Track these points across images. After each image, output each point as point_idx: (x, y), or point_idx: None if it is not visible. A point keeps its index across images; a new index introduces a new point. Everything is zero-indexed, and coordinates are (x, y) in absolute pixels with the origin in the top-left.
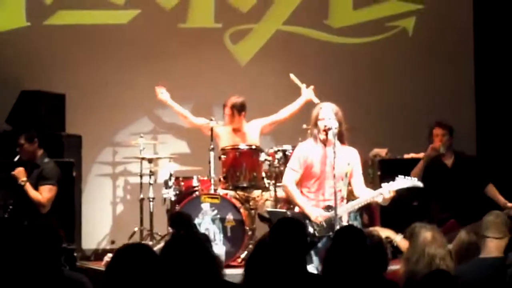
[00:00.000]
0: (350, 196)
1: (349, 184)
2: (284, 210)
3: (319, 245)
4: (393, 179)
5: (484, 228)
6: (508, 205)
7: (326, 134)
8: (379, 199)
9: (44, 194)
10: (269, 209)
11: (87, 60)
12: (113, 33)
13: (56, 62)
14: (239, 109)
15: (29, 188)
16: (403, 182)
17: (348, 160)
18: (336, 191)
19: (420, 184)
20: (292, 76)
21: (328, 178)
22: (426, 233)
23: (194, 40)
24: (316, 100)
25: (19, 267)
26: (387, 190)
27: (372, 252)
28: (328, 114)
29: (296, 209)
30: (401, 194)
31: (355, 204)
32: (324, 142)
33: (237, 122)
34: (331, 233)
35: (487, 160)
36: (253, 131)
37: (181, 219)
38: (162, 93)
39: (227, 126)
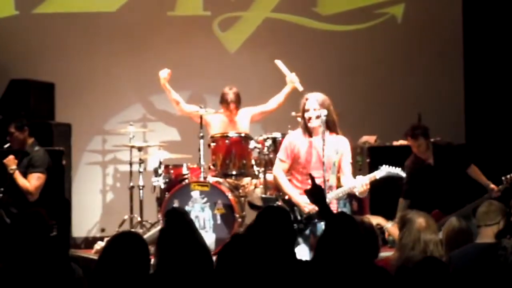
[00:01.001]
0: (339, 184)
1: (338, 172)
2: (275, 197)
3: (306, 232)
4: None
5: (478, 219)
6: (491, 186)
7: (310, 125)
8: (356, 191)
9: (32, 182)
10: (263, 195)
11: (76, 49)
12: (102, 21)
13: (46, 50)
14: (239, 102)
15: (18, 176)
16: (386, 170)
17: (336, 149)
18: (325, 179)
19: (403, 174)
20: (278, 62)
21: (315, 168)
22: (420, 219)
23: (183, 28)
24: (300, 87)
25: (10, 256)
26: (360, 184)
27: (363, 239)
28: (313, 105)
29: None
30: (391, 181)
31: (335, 195)
32: (311, 132)
33: (235, 113)
34: (316, 220)
35: (477, 148)
36: (243, 119)
37: (176, 214)
38: (166, 75)
39: (218, 115)
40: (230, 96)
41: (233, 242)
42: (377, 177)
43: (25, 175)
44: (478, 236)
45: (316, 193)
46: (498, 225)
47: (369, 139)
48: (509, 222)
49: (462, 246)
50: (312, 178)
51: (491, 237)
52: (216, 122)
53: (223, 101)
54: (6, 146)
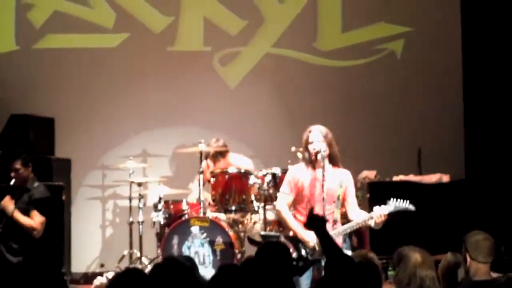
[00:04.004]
0: (343, 219)
1: (342, 206)
2: (277, 234)
3: (310, 268)
4: (383, 202)
5: (476, 251)
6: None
7: (316, 157)
8: (371, 223)
9: (36, 218)
10: (263, 232)
11: (76, 84)
12: (102, 57)
13: (46, 85)
14: (220, 154)
15: (18, 216)
16: (394, 205)
17: (340, 182)
18: (325, 213)
19: (412, 208)
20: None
21: (319, 201)
22: (416, 255)
23: (183, 63)
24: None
25: None
26: (378, 214)
27: (365, 277)
28: (317, 137)
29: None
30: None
31: (347, 228)
32: (314, 165)
33: (224, 163)
34: (323, 257)
35: (477, 184)
36: (238, 160)
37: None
38: None
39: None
40: (211, 152)
41: (220, 273)
42: (386, 212)
43: (26, 211)
44: (477, 271)
45: (316, 221)
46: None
47: (369, 174)
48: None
49: (455, 279)
50: (311, 209)
51: (489, 274)
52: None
53: (205, 157)
54: (11, 182)
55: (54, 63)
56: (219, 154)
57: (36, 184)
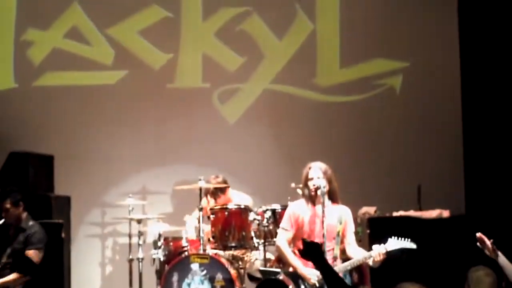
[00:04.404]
0: (342, 255)
1: (342, 242)
2: (277, 270)
3: None
4: (383, 237)
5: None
6: None
7: (316, 194)
8: (370, 261)
9: (33, 259)
10: (261, 268)
11: (75, 121)
12: (101, 94)
13: (45, 123)
14: (220, 190)
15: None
16: (395, 243)
17: (339, 218)
18: (326, 250)
19: (414, 246)
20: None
21: (318, 237)
22: None
23: (183, 99)
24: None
25: None
26: (378, 253)
27: None
28: (317, 173)
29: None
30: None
31: (347, 266)
32: (314, 201)
33: (224, 199)
34: None
35: (477, 220)
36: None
37: None
38: None
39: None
40: (209, 189)
41: None
42: (388, 250)
43: (22, 252)
44: None
45: (312, 248)
46: None
47: (369, 210)
48: None
49: None
50: (305, 239)
51: None
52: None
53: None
54: (1, 222)
55: (53, 101)
56: (219, 191)
57: (30, 223)
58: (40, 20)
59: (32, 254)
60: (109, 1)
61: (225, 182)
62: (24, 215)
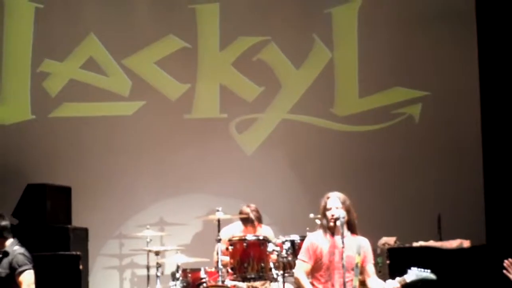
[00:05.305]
0: (361, 286)
1: (361, 274)
2: None
3: None
4: (403, 268)
5: None
6: None
7: (335, 224)
8: None
9: (26, 281)
10: None
11: (92, 152)
12: (118, 125)
13: (62, 154)
14: (259, 219)
15: None
16: (414, 274)
17: (358, 250)
18: (345, 281)
19: (433, 277)
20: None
21: (337, 268)
22: None
23: (200, 130)
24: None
25: None
26: (398, 285)
27: None
28: (335, 203)
29: None
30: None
31: None
32: (333, 232)
33: (256, 229)
34: None
35: (498, 248)
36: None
37: None
38: None
39: (237, 225)
40: (251, 215)
41: None
42: (407, 281)
43: (9, 277)
44: None
45: None
46: None
47: (389, 240)
48: None
49: None
50: None
51: None
52: (236, 231)
53: (247, 221)
54: None
55: (70, 132)
56: (257, 219)
57: (15, 247)
58: (56, 51)
59: (25, 274)
60: (126, 32)
61: (257, 211)
62: (9, 241)
